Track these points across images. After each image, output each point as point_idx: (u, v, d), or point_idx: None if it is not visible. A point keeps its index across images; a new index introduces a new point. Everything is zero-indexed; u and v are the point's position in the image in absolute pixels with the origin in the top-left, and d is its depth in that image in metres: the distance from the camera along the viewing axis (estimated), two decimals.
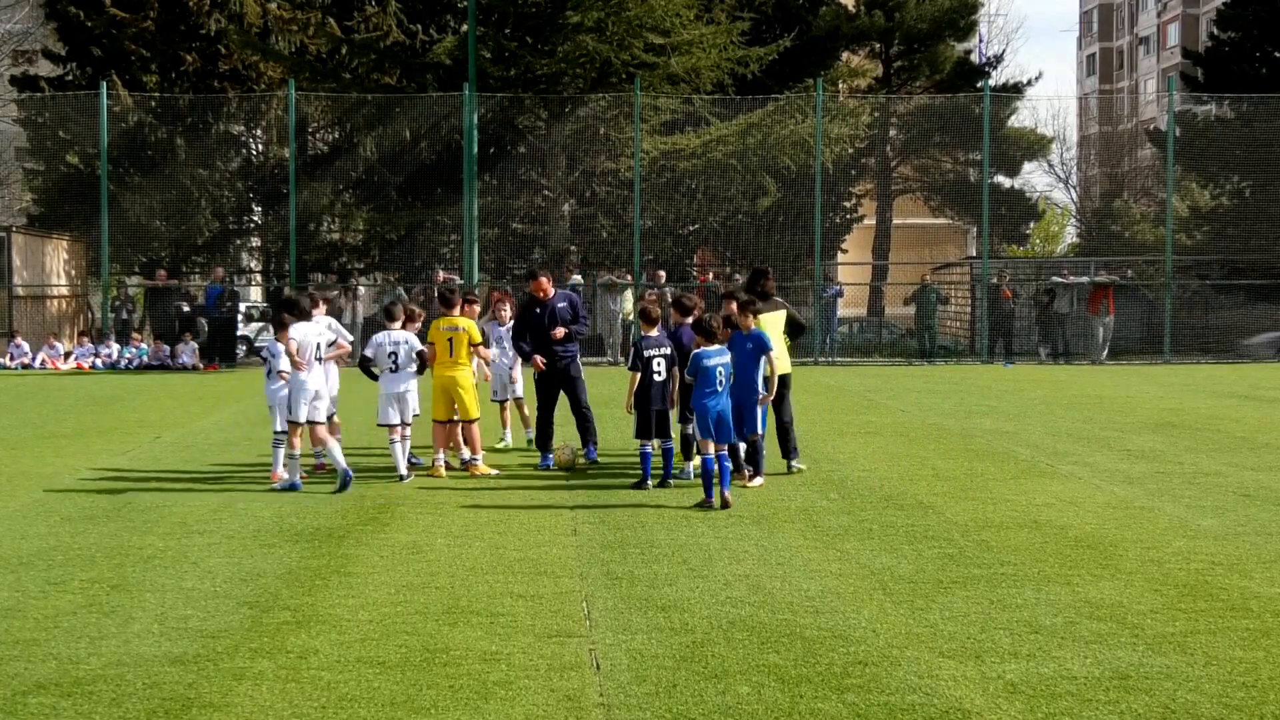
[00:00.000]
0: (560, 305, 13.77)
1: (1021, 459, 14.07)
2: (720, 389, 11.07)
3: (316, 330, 12.55)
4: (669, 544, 9.41)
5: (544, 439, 13.65)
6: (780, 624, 7.23)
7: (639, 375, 12.15)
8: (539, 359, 13.52)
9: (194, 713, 5.83)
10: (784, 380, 12.68)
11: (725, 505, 10.78)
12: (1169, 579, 8.32)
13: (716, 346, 11.32)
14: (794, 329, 13.23)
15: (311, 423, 12.32)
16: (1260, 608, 7.61)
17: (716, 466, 10.87)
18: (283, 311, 12.59)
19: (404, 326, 14.05)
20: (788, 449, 12.93)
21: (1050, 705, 5.90)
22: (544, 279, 13.93)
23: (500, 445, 15.14)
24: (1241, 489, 11.97)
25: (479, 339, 13.28)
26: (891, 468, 13.42)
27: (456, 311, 13.23)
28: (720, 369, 11.12)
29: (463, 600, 7.77)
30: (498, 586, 8.12)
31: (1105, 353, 31.88)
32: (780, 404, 12.79)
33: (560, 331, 13.58)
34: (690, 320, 12.40)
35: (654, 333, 12.36)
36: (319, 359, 12.44)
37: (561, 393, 13.80)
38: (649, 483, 11.94)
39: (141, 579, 8.38)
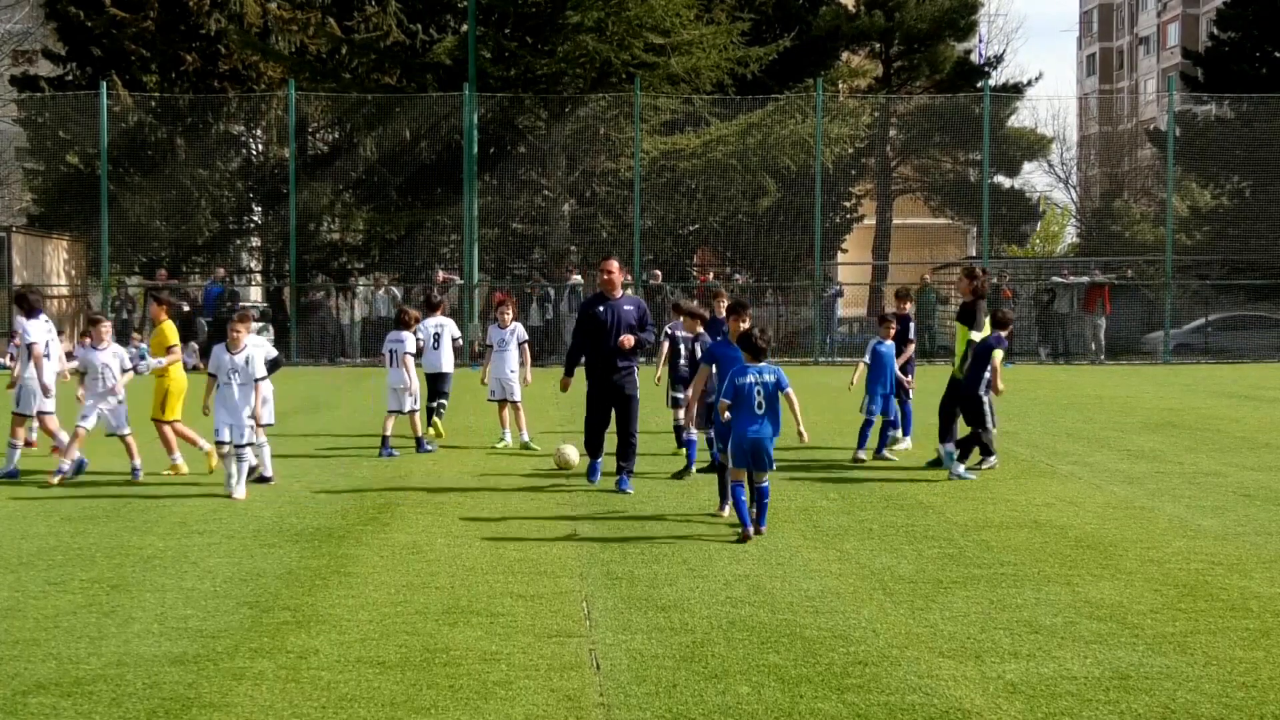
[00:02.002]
0: (627, 309, 11.94)
1: (1021, 459, 14.07)
2: (760, 411, 9.67)
3: (46, 329, 13.25)
4: (669, 544, 9.41)
5: (593, 442, 12.10)
6: (780, 624, 7.24)
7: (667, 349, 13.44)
8: (566, 381, 12.15)
9: (194, 713, 5.83)
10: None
11: (757, 532, 9.68)
12: (1169, 579, 8.32)
13: (762, 364, 9.85)
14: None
15: (42, 414, 13.12)
16: (1260, 608, 7.61)
17: (747, 495, 9.68)
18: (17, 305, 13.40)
19: (403, 325, 15.03)
20: (950, 441, 13.36)
21: (1050, 705, 5.90)
22: (616, 266, 12.14)
23: (500, 445, 15.13)
24: (1241, 489, 11.97)
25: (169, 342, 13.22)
26: (891, 468, 13.42)
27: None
28: (759, 389, 9.73)
29: (463, 600, 7.77)
30: (498, 586, 8.12)
31: (1103, 354, 31.89)
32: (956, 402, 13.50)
33: (629, 339, 11.74)
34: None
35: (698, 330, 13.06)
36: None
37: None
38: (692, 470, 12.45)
39: (141, 579, 8.38)
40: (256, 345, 12.58)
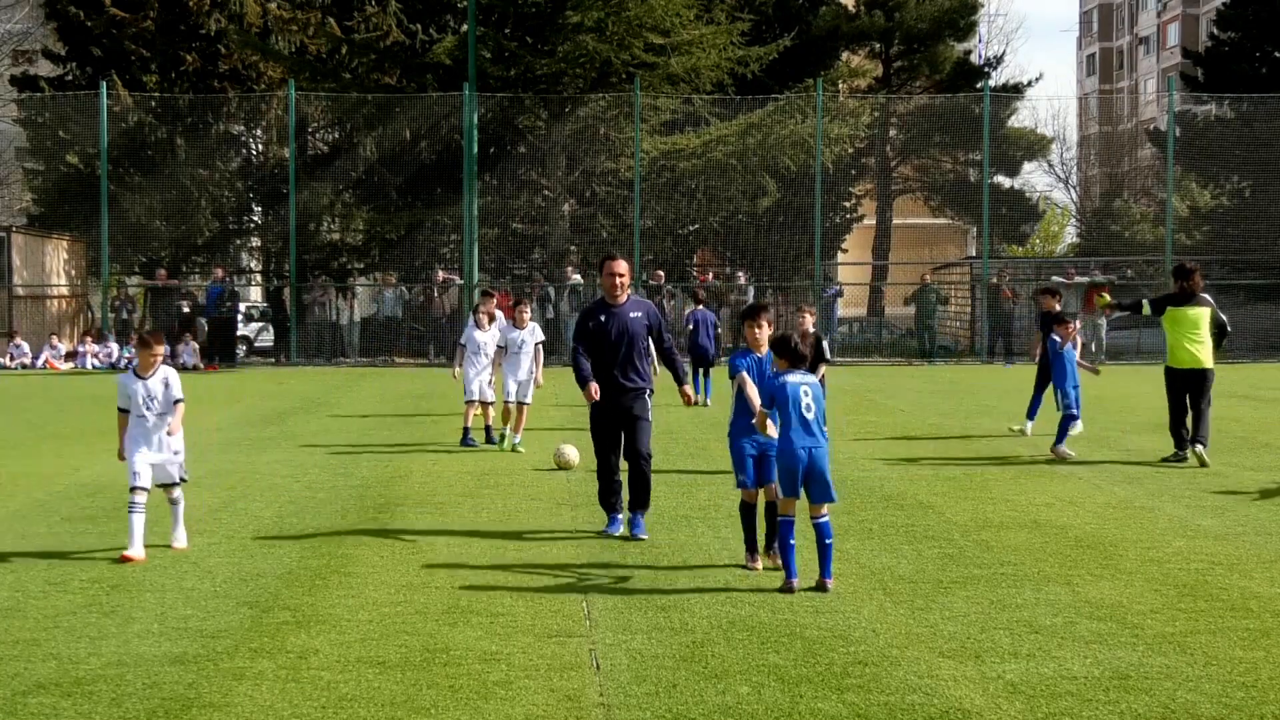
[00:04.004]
0: (634, 315, 10.00)
1: (1021, 459, 14.07)
2: (811, 418, 7.96)
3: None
4: (669, 544, 9.40)
5: (607, 493, 10.04)
6: (780, 624, 7.23)
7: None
8: (594, 387, 9.87)
9: (194, 713, 5.83)
10: (1206, 375, 13.90)
11: (823, 588, 7.92)
12: (1169, 579, 8.32)
13: (798, 370, 8.15)
14: (1219, 330, 14.22)
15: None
16: (1260, 608, 7.61)
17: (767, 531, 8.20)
18: None
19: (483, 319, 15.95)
20: (1199, 434, 13.71)
21: (1050, 705, 5.90)
22: (625, 267, 10.12)
23: (505, 446, 14.93)
24: (1241, 489, 11.97)
25: None
26: (891, 468, 13.41)
27: None
28: (806, 389, 8.01)
29: (463, 600, 7.77)
30: (498, 586, 8.12)
31: (1104, 354, 31.88)
32: (1200, 396, 13.90)
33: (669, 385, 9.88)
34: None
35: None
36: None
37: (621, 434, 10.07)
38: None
39: (141, 579, 8.38)
40: None
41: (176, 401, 9.39)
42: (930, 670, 6.40)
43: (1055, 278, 33.47)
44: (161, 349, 9.59)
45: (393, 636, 6.99)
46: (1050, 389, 15.22)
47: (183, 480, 9.52)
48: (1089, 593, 7.96)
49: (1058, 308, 16.12)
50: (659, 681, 6.22)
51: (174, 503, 9.50)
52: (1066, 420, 14.44)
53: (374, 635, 7.02)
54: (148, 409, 9.29)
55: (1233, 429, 16.72)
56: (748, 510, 8.85)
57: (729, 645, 6.81)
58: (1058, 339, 14.79)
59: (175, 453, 9.40)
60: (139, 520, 9.09)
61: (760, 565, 8.64)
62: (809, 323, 12.74)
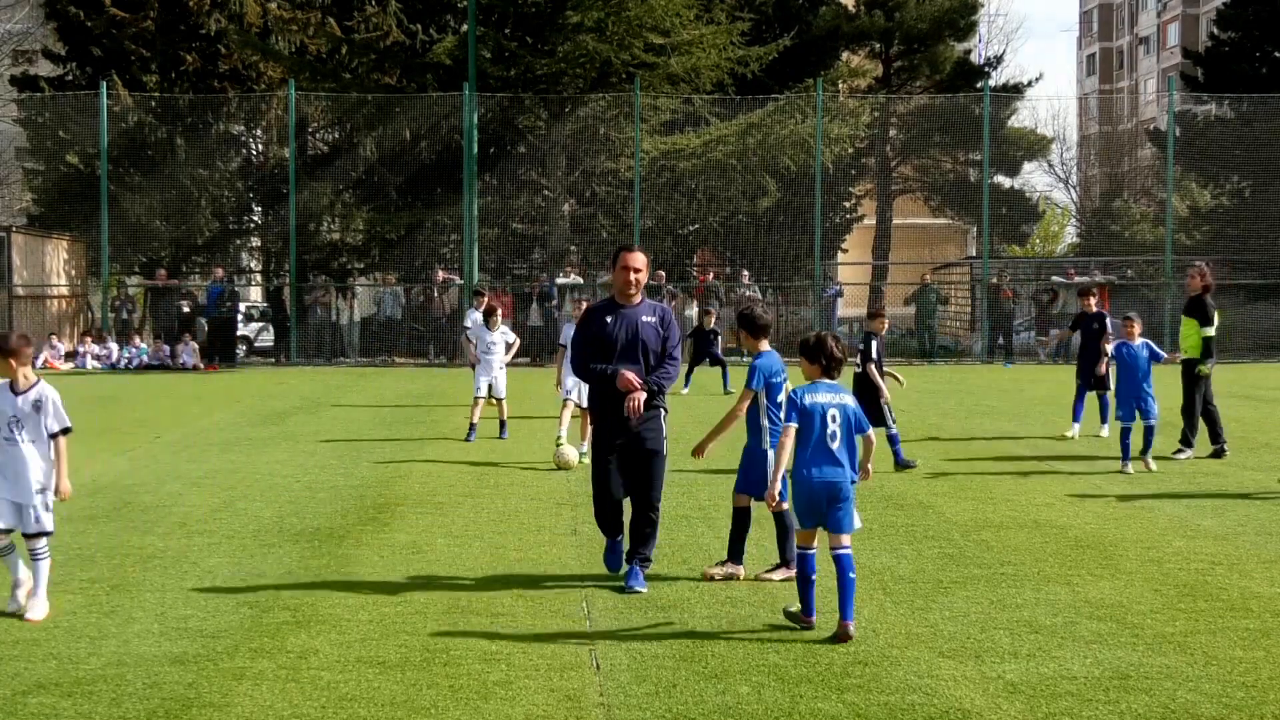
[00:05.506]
0: (645, 320, 8.40)
1: (1021, 459, 14.07)
2: (834, 445, 7.07)
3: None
4: (669, 544, 9.40)
5: (608, 523, 8.49)
6: (780, 624, 7.23)
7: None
8: (627, 376, 8.25)
9: (194, 713, 5.83)
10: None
11: (845, 637, 6.88)
12: (1169, 579, 8.32)
13: (828, 381, 7.36)
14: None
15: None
16: (1260, 608, 7.61)
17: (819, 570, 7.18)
18: None
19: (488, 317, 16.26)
20: (1217, 434, 14.16)
21: (1050, 705, 5.90)
22: (643, 261, 8.54)
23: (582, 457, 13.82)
24: (1241, 489, 11.97)
25: None
26: (891, 468, 13.41)
27: None
28: (834, 413, 7.13)
29: (463, 600, 7.77)
30: (498, 586, 8.12)
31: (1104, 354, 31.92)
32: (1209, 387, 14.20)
33: (636, 394, 8.20)
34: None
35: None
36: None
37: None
38: None
39: (141, 579, 8.38)
40: None
41: (57, 434, 7.59)
42: (930, 670, 6.40)
43: (1055, 278, 33.49)
44: (22, 368, 7.69)
45: (393, 636, 6.99)
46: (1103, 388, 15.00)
47: (47, 534, 7.53)
48: (1089, 593, 7.96)
49: (1094, 307, 16.00)
50: (659, 681, 6.22)
51: (35, 557, 7.48)
52: (1149, 432, 13.30)
53: (374, 635, 7.02)
54: (13, 431, 7.51)
55: (1232, 429, 16.70)
56: (734, 514, 8.42)
57: (729, 645, 6.81)
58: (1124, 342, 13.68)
59: (40, 491, 7.50)
60: (16, 567, 7.55)
61: (718, 573, 8.27)
62: (884, 327, 12.98)
